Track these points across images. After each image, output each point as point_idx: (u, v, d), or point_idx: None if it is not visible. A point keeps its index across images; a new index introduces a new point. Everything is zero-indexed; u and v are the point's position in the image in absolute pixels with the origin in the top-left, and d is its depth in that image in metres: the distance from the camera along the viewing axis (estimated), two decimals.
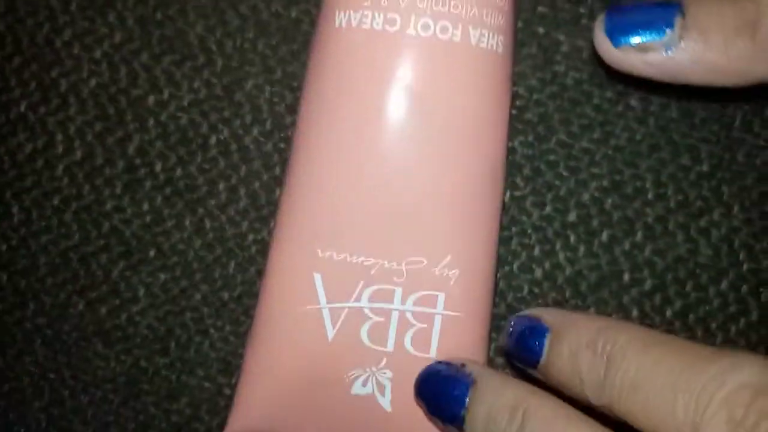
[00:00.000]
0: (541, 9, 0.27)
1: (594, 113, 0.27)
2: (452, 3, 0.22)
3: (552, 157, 0.27)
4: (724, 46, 0.20)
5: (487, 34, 0.22)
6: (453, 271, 0.22)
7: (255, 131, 0.27)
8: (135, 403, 0.27)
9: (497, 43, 0.22)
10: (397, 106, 0.22)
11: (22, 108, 0.27)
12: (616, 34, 0.21)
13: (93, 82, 0.27)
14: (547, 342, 0.21)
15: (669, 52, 0.20)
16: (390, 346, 0.23)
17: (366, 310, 0.23)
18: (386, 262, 0.22)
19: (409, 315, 0.23)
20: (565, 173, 0.27)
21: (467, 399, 0.21)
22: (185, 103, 0.27)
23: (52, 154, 0.27)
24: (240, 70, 0.27)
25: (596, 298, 0.27)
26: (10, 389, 0.27)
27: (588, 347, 0.19)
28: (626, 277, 0.27)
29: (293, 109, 0.27)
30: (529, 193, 0.27)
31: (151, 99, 0.27)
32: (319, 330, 0.23)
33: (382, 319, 0.23)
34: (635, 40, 0.20)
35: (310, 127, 0.23)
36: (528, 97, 0.27)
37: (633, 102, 0.27)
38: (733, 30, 0.19)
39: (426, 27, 0.22)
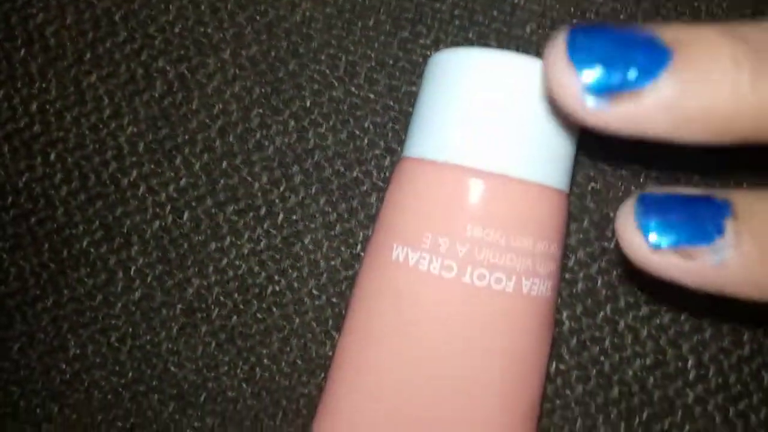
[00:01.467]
0: (593, 185, 0.28)
1: (640, 292, 0.28)
2: (509, 256, 0.22)
3: (597, 333, 0.27)
4: None
5: (538, 283, 0.23)
6: None
7: (311, 284, 0.28)
8: None
9: (547, 288, 0.23)
10: (443, 340, 0.23)
11: (84, 244, 0.28)
12: (652, 230, 0.16)
13: (156, 224, 0.28)
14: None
15: (717, 260, 0.16)
16: None
17: None
18: None
19: None
20: (609, 349, 0.27)
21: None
22: (245, 252, 0.28)
23: (111, 292, 0.28)
24: (300, 223, 0.28)
25: None
26: None
27: None
28: None
29: (349, 265, 0.28)
30: (574, 366, 0.27)
31: (212, 245, 0.28)
32: None
33: None
34: (677, 242, 0.16)
35: (352, 345, 0.24)
36: (577, 271, 0.28)
37: None
38: None
39: (481, 277, 0.22)
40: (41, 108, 0.29)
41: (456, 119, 0.23)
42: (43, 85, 0.29)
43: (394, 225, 0.24)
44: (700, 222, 0.16)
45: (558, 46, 0.16)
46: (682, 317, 0.27)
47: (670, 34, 0.15)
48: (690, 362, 0.27)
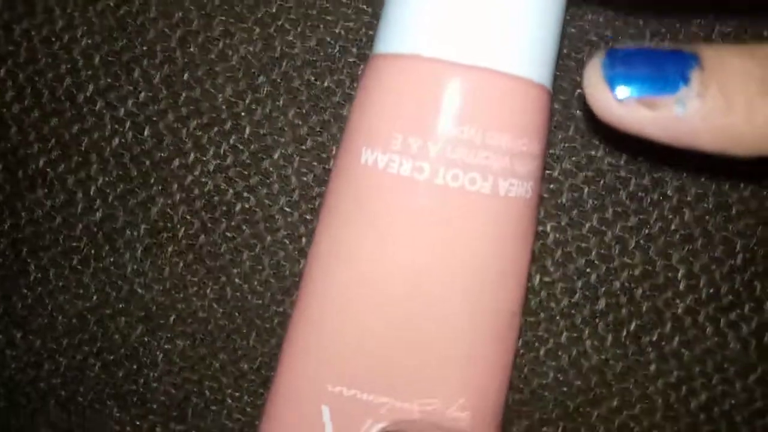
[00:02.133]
0: (580, 91, 0.26)
1: (629, 201, 0.26)
2: (484, 154, 0.21)
3: (584, 244, 0.26)
4: (748, 109, 0.16)
5: (516, 183, 0.21)
6: (465, 413, 0.22)
7: (282, 201, 0.26)
8: None
9: (526, 190, 0.22)
10: (417, 249, 0.21)
11: (41, 163, 0.27)
12: (618, 81, 0.17)
13: (116, 141, 0.27)
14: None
15: (681, 110, 0.16)
16: None
17: None
18: (397, 402, 0.22)
19: None
20: (596, 260, 0.26)
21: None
22: (211, 168, 0.26)
23: (71, 213, 0.27)
24: (269, 137, 0.26)
25: (621, 387, 0.26)
26: None
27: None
28: (652, 367, 0.26)
29: (321, 180, 0.26)
30: (559, 278, 0.26)
31: (175, 162, 0.26)
32: None
33: None
34: (642, 92, 0.16)
35: (324, 258, 0.22)
36: (562, 181, 0.26)
37: (669, 191, 0.26)
38: (759, 92, 0.16)
39: (455, 178, 0.21)
40: None
41: (426, 8, 0.21)
42: None
43: (362, 127, 0.22)
44: (666, 72, 0.16)
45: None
46: (672, 226, 0.26)
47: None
48: (680, 272, 0.26)
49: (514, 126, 0.21)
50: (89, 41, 0.27)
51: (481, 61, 0.21)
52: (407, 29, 0.22)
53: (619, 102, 0.16)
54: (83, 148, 0.27)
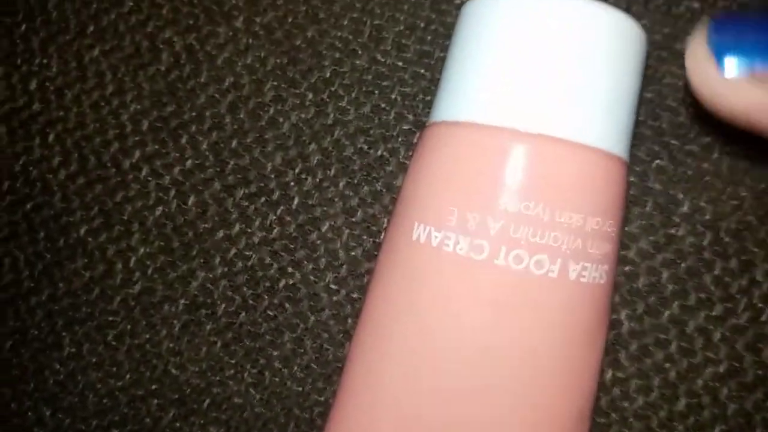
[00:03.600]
0: (659, 162, 0.24)
1: (714, 286, 0.23)
2: (552, 235, 0.18)
3: (663, 335, 0.23)
4: None
5: (589, 267, 0.19)
6: None
7: (328, 278, 0.24)
8: None
9: (600, 275, 0.19)
10: (473, 336, 0.19)
11: (82, 232, 0.26)
12: (725, 53, 0.14)
13: (159, 210, 0.25)
14: None
15: None
16: None
17: None
18: None
19: None
20: (676, 354, 0.23)
21: None
22: (255, 241, 0.25)
23: (109, 285, 0.25)
24: (318, 208, 0.25)
25: None
26: None
27: None
28: None
29: (371, 255, 0.24)
30: (635, 374, 0.23)
31: (219, 234, 0.25)
32: None
33: None
34: (754, 65, 0.14)
35: (370, 342, 0.20)
36: (638, 263, 0.24)
37: (758, 276, 0.23)
38: None
39: (518, 260, 0.18)
40: (41, 85, 0.26)
41: (488, 73, 0.19)
42: (44, 61, 0.27)
43: (415, 200, 0.20)
44: None
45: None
46: (763, 317, 0.23)
47: None
48: None
49: (587, 202, 0.19)
50: (138, 106, 0.26)
51: (547, 129, 0.19)
52: (466, 94, 0.20)
53: (726, 79, 0.14)
54: (126, 217, 0.25)
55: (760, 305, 0.23)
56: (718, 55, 0.14)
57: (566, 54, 0.19)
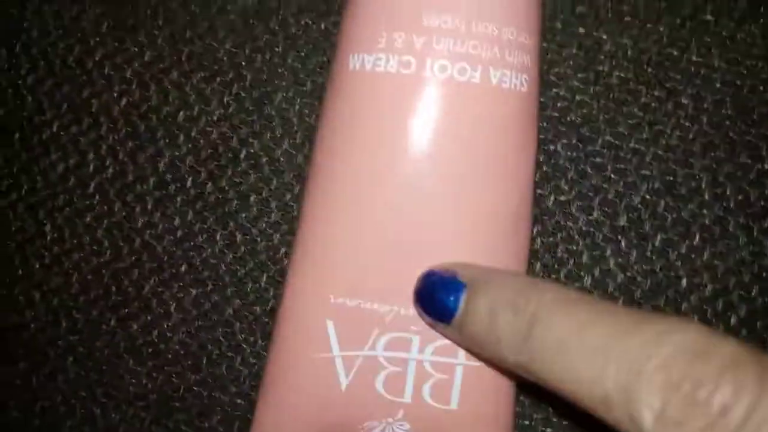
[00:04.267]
0: (580, 9, 0.26)
1: (642, 113, 0.25)
2: (471, 44, 0.20)
3: (598, 159, 0.25)
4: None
5: (509, 74, 0.21)
6: None
7: (285, 144, 0.26)
8: (167, 420, 0.26)
9: (521, 82, 0.21)
10: (413, 148, 0.21)
11: (55, 128, 0.27)
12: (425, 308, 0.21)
13: (124, 101, 0.27)
14: (463, 298, 0.19)
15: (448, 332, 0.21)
16: (407, 397, 0.21)
17: (381, 359, 0.21)
18: (402, 309, 0.21)
19: (427, 365, 0.21)
20: (613, 176, 0.25)
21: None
22: (215, 118, 0.27)
23: (84, 173, 0.27)
24: (269, 83, 0.26)
25: (652, 305, 0.25)
26: (42, 408, 0.27)
27: (509, 305, 0.18)
28: (684, 282, 0.25)
29: None
30: (575, 197, 0.25)
31: (181, 115, 0.27)
32: (332, 379, 0.21)
33: (399, 369, 0.21)
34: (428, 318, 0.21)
35: (324, 170, 0.22)
36: (570, 99, 0.26)
37: (684, 100, 0.25)
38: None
39: (443, 69, 0.20)
40: None
41: None
42: None
43: (349, 35, 0.22)
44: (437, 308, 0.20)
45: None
46: (691, 135, 0.25)
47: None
48: (704, 182, 0.25)
49: (500, 13, 0.21)
50: (97, 11, 0.28)
51: None
52: None
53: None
54: (93, 111, 0.27)
55: (686, 125, 0.25)
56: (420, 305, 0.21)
57: None
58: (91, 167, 0.27)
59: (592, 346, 0.16)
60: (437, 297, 0.20)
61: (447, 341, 0.21)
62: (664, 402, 0.15)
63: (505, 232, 0.22)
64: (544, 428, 0.25)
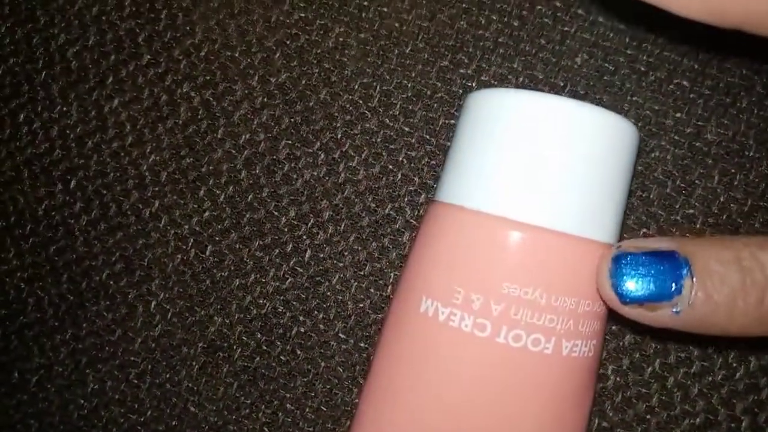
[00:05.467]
0: (645, 231, 0.26)
1: (692, 346, 0.26)
2: (548, 317, 0.21)
3: (644, 390, 0.26)
4: (729, 311, 0.19)
5: (580, 344, 0.21)
6: None
7: (338, 327, 0.26)
8: None
9: (589, 349, 0.21)
10: (474, 405, 0.21)
11: (104, 276, 0.27)
12: (622, 290, 0.20)
13: (178, 258, 0.27)
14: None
15: (676, 312, 0.20)
16: None
17: None
18: None
19: None
20: (657, 407, 0.26)
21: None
22: (269, 290, 0.27)
23: (130, 327, 0.27)
24: (328, 261, 0.26)
25: None
26: None
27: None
28: None
29: (378, 308, 0.26)
30: (618, 424, 0.26)
31: (235, 282, 0.27)
32: None
33: None
34: (643, 300, 0.20)
35: (376, 403, 0.22)
36: (624, 323, 0.26)
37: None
38: (740, 293, 0.19)
39: (518, 338, 0.21)
40: (62, 133, 0.28)
41: (494, 165, 0.21)
42: (64, 109, 0.28)
43: (423, 275, 0.22)
44: (662, 283, 0.20)
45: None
46: (737, 375, 0.25)
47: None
48: (744, 424, 0.25)
49: (580, 288, 0.21)
50: (157, 158, 0.27)
51: (544, 221, 0.21)
52: (474, 183, 0.22)
53: (624, 304, 0.20)
54: (146, 264, 0.27)
55: (734, 364, 0.26)
56: (618, 291, 0.20)
57: (560, 151, 0.21)
58: (139, 322, 0.27)
59: None
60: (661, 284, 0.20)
61: None
62: None
63: None
64: None
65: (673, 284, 0.20)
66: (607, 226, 0.22)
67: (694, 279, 0.19)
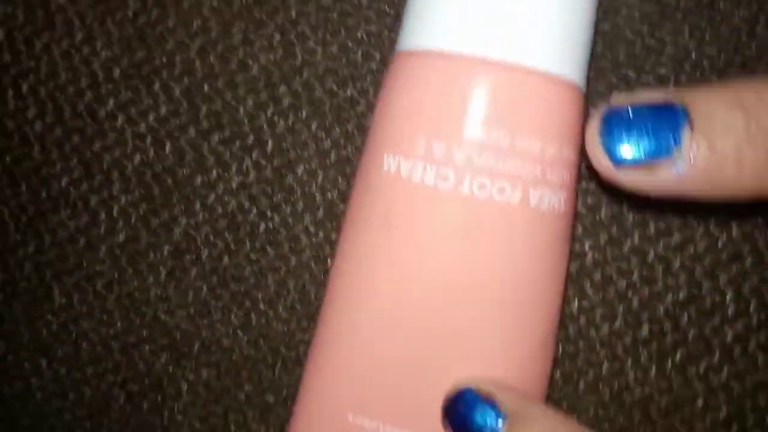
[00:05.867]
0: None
1: (673, 216, 0.23)
2: (513, 161, 0.19)
3: (624, 265, 0.24)
4: (738, 160, 0.16)
5: (548, 194, 0.19)
6: None
7: (306, 220, 0.25)
8: None
9: (560, 201, 0.19)
10: (442, 264, 0.19)
11: (63, 183, 0.26)
12: (615, 150, 0.17)
13: (137, 158, 0.25)
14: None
15: (677, 170, 0.17)
16: None
17: None
18: None
19: None
20: (638, 283, 0.24)
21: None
22: (234, 186, 0.25)
23: (94, 235, 0.26)
24: (292, 152, 0.25)
25: (667, 424, 0.24)
26: None
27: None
28: (700, 402, 0.24)
29: (347, 197, 0.24)
30: (599, 303, 0.24)
31: (198, 180, 0.25)
32: None
33: None
34: (639, 159, 0.17)
35: (346, 276, 0.20)
36: (600, 195, 0.24)
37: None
38: (747, 139, 0.16)
39: (482, 187, 0.19)
40: (9, 35, 0.26)
41: (451, 0, 0.19)
42: (9, 10, 0.26)
43: (384, 131, 0.20)
44: (659, 137, 0.17)
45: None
46: (719, 244, 0.23)
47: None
48: (728, 296, 0.23)
49: (546, 130, 0.19)
50: (109, 53, 0.26)
51: (510, 56, 0.19)
52: (431, 23, 0.20)
53: (618, 168, 0.17)
54: (105, 167, 0.26)
55: (715, 233, 0.23)
56: (609, 151, 0.17)
57: None
58: (102, 229, 0.26)
59: None
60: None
61: None
62: None
63: (532, 352, 0.21)
64: None
65: (670, 136, 0.17)
66: (576, 65, 0.19)
67: (694, 129, 0.17)
